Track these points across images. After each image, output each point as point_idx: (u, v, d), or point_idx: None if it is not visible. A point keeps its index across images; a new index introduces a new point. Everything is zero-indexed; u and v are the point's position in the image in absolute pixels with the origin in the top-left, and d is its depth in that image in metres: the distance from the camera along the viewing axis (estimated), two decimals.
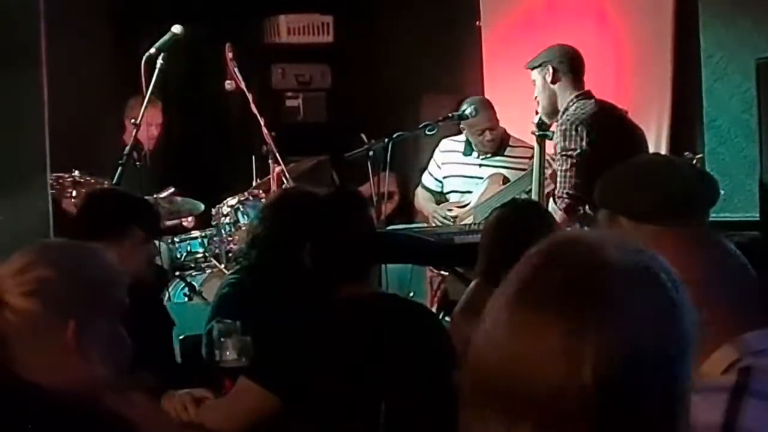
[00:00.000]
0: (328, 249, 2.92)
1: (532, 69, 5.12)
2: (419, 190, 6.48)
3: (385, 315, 2.87)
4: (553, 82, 5.05)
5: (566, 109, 4.96)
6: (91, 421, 1.97)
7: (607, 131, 4.89)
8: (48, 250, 2.06)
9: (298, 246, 2.95)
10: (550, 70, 5.05)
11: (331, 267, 2.90)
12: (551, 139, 5.01)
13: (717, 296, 1.81)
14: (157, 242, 5.64)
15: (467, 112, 6.03)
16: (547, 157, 5.10)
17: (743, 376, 1.74)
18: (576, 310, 1.15)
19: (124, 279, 2.10)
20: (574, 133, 4.84)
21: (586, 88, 5.08)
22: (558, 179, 4.87)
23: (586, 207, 4.47)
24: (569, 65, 5.06)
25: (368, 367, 2.75)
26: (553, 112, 5.04)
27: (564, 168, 4.84)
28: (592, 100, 5.00)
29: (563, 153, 4.85)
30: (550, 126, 5.07)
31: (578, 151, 4.82)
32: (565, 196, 4.75)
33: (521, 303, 1.17)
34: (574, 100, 4.99)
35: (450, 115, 6.05)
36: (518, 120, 5.77)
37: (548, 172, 5.07)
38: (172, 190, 6.09)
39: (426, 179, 6.44)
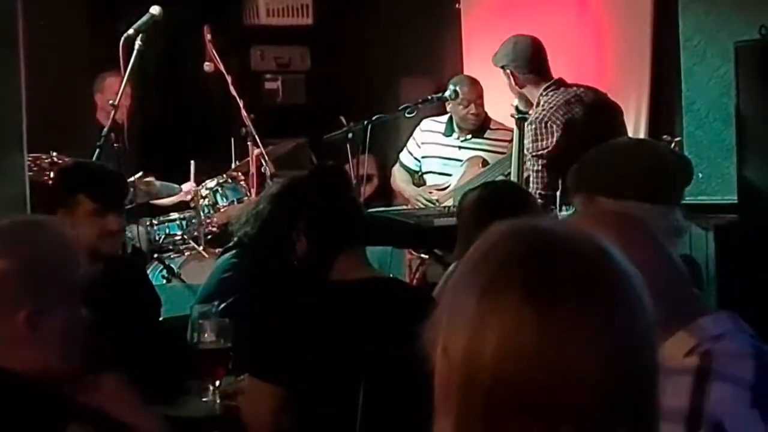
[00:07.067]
0: (323, 221, 2.87)
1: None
2: (396, 169, 6.48)
3: (379, 300, 2.82)
4: (517, 84, 5.04)
5: (538, 104, 4.96)
6: (50, 408, 1.96)
7: (578, 118, 4.88)
8: (1, 239, 2.01)
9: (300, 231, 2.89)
10: (510, 74, 5.03)
11: (327, 239, 2.86)
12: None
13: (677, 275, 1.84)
14: (136, 224, 5.75)
15: (447, 93, 6.02)
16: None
17: (705, 360, 1.73)
18: (599, 300, 1.13)
19: (77, 258, 2.05)
20: (544, 130, 4.83)
21: (557, 75, 5.05)
22: (531, 180, 4.86)
23: (558, 207, 4.49)
24: (528, 65, 5.01)
25: (358, 352, 2.72)
26: (527, 104, 5.04)
27: (536, 169, 4.84)
28: (561, 89, 4.97)
29: (534, 154, 4.84)
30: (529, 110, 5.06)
31: (548, 148, 4.81)
32: (537, 196, 4.73)
33: (536, 303, 1.11)
34: (543, 93, 4.97)
35: (429, 97, 6.03)
36: (498, 103, 5.77)
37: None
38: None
39: (404, 157, 6.43)
